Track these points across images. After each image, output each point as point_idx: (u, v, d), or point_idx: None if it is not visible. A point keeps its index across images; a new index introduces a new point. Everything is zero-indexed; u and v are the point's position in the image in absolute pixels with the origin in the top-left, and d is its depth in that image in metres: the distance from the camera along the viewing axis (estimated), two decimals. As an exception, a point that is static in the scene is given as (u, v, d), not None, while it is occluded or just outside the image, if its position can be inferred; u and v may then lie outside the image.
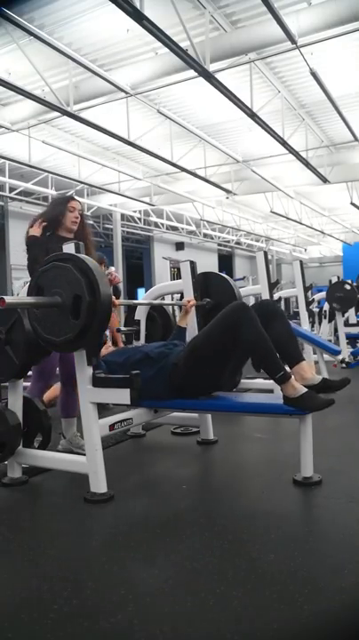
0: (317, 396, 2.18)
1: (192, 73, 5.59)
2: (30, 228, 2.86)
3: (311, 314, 6.66)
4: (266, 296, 4.36)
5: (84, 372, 2.24)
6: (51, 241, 2.76)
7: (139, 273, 18.03)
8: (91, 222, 14.56)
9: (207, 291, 3.22)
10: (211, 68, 5.53)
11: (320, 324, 7.25)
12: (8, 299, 1.92)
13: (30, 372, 2.79)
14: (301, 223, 14.92)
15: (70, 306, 2.06)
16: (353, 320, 6.55)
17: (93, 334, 2.10)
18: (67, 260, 2.13)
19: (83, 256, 2.16)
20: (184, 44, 5.10)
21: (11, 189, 11.16)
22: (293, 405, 2.17)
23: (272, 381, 3.06)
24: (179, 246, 17.57)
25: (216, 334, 2.33)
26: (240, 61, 6.00)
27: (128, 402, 2.25)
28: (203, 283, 3.25)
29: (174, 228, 16.37)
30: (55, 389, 3.54)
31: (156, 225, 15.75)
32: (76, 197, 3.05)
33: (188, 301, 3.00)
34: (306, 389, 2.17)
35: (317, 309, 7.51)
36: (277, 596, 1.40)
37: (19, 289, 9.32)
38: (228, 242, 19.17)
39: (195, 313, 3.05)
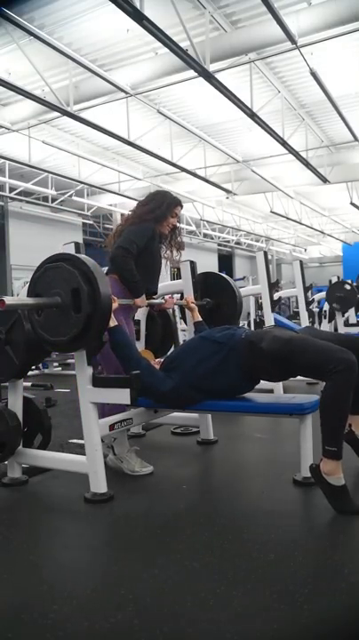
0: (350, 497, 1.94)
1: (192, 73, 5.59)
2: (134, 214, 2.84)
3: (311, 314, 6.65)
4: (266, 296, 4.36)
5: (84, 372, 2.24)
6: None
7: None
8: (91, 222, 14.59)
9: (207, 291, 3.21)
10: (211, 68, 5.53)
11: (320, 324, 7.25)
12: (8, 299, 1.92)
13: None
14: (301, 223, 14.93)
15: (70, 302, 2.06)
16: (353, 320, 6.55)
17: (98, 324, 2.09)
18: (58, 260, 2.15)
19: (72, 253, 2.17)
20: (184, 44, 5.10)
21: (12, 189, 11.16)
22: (322, 488, 1.97)
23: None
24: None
25: (312, 357, 2.05)
26: (240, 61, 6.00)
27: (128, 402, 2.25)
28: (203, 283, 3.25)
29: (174, 228, 16.33)
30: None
31: (156, 225, 15.72)
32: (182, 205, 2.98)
33: (187, 299, 2.99)
34: (343, 482, 1.95)
35: (317, 309, 7.50)
36: (277, 596, 1.40)
37: (20, 289, 9.33)
38: (228, 242, 19.17)
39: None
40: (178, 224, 2.95)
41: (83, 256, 2.16)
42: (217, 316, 3.15)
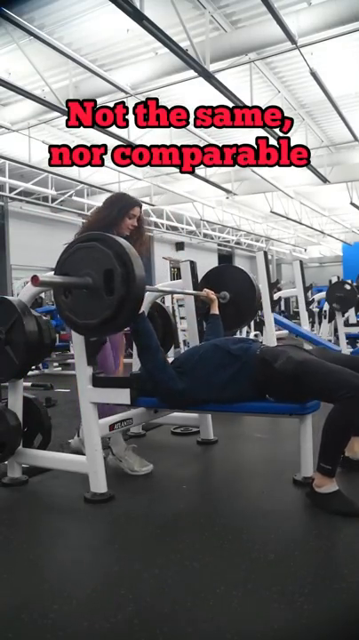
0: (348, 499, 1.96)
1: (192, 73, 5.59)
2: (86, 224, 2.82)
3: (311, 314, 6.66)
4: (266, 296, 4.35)
5: (84, 372, 2.24)
6: None
7: (139, 273, 18.02)
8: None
9: (224, 284, 3.11)
10: (211, 68, 5.53)
11: (320, 324, 7.26)
12: (42, 277, 1.88)
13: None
14: (301, 223, 14.93)
15: (102, 283, 1.97)
16: (353, 320, 6.55)
17: (131, 307, 2.00)
18: (91, 240, 2.05)
19: (106, 234, 2.09)
20: (184, 44, 5.10)
21: (12, 189, 11.16)
22: (315, 502, 2.00)
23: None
24: (179, 246, 17.58)
25: (324, 380, 2.05)
26: (240, 61, 6.00)
27: (128, 402, 2.25)
28: (221, 275, 3.18)
29: (174, 228, 16.36)
30: None
31: (156, 225, 15.75)
32: (141, 203, 2.92)
33: (208, 292, 2.92)
34: (337, 488, 1.98)
35: (317, 309, 7.51)
36: (277, 596, 1.40)
37: (20, 289, 9.34)
38: (228, 242, 19.17)
39: (197, 306, 3.00)
40: (140, 224, 2.88)
41: (116, 237, 2.07)
42: (234, 310, 3.05)
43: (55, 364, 7.16)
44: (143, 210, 2.94)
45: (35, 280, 1.86)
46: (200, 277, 3.17)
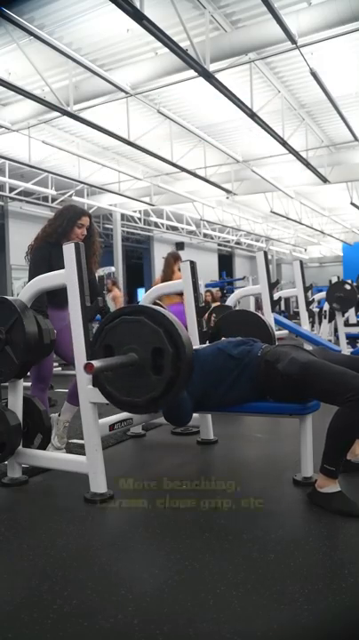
0: (349, 499, 1.97)
1: (192, 73, 5.59)
2: (37, 236, 2.91)
3: (311, 314, 6.65)
4: (266, 296, 4.35)
5: (84, 372, 2.23)
6: (54, 250, 2.73)
7: (139, 273, 18.08)
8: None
9: (239, 328, 3.08)
10: (211, 67, 5.53)
11: (320, 324, 7.25)
12: (96, 363, 1.84)
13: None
14: (301, 223, 14.95)
15: (150, 361, 1.92)
16: (353, 320, 6.55)
17: (180, 387, 1.95)
18: (138, 313, 2.00)
19: (152, 306, 2.06)
20: (184, 44, 5.10)
21: (12, 189, 11.17)
22: (316, 502, 2.01)
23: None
24: (179, 246, 17.58)
25: (329, 383, 2.02)
26: (240, 61, 6.01)
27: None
28: (236, 320, 3.24)
29: (174, 228, 16.38)
30: None
31: (156, 225, 15.76)
32: (89, 213, 3.02)
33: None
34: (339, 489, 1.99)
35: (317, 309, 7.50)
36: (277, 596, 1.40)
37: (19, 289, 9.34)
38: (228, 242, 19.19)
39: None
40: (90, 233, 2.97)
41: (166, 312, 2.01)
42: None
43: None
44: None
45: (89, 368, 1.82)
46: (200, 277, 3.18)
